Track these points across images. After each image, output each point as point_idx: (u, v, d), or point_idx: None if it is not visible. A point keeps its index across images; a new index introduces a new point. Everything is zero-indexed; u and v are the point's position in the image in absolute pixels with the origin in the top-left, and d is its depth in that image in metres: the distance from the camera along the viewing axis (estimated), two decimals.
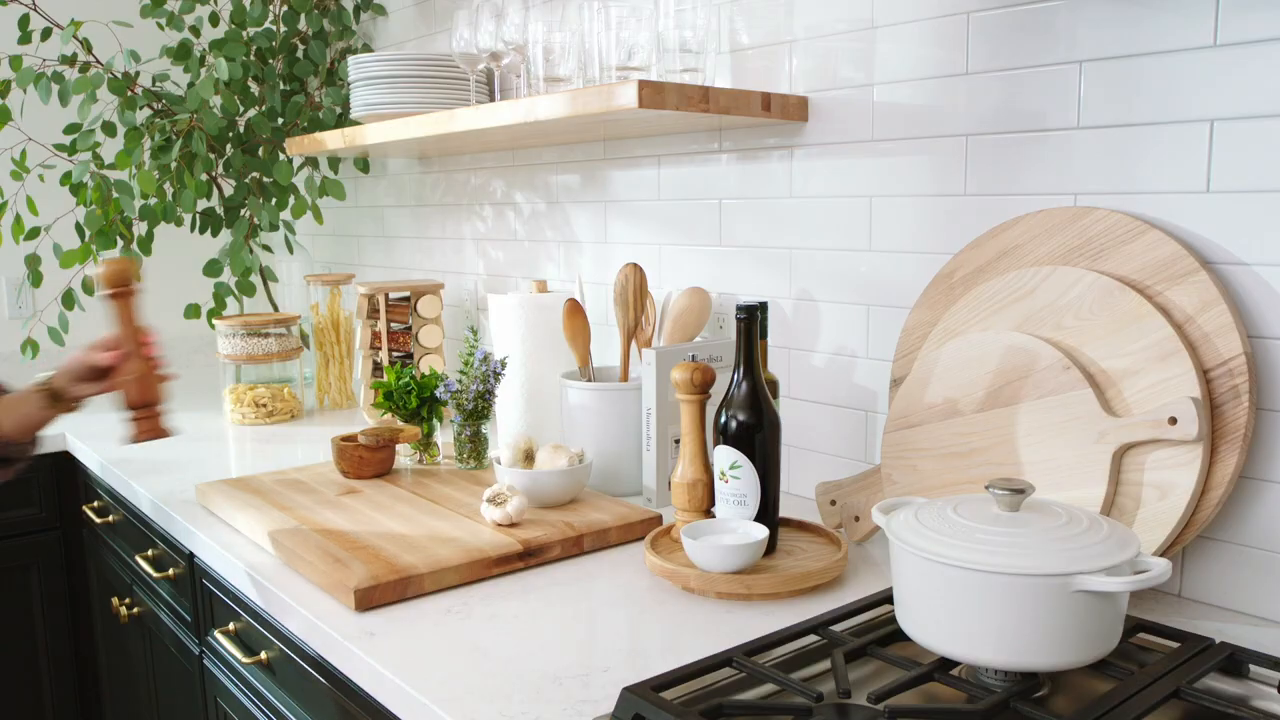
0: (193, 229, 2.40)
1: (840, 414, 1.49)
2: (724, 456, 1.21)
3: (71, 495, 2.17)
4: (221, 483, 1.58)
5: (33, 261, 2.25)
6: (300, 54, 2.41)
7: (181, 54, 2.31)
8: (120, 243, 2.24)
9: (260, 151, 2.35)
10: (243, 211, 2.33)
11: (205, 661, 1.56)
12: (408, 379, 1.69)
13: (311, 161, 2.53)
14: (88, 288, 2.28)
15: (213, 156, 2.27)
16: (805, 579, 1.15)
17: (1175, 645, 0.98)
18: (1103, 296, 1.11)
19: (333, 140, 2.03)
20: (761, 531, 1.18)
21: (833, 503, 1.37)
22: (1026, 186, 1.24)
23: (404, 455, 1.71)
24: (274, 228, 2.33)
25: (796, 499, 1.54)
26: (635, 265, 1.57)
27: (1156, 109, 1.11)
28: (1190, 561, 1.13)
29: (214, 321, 2.21)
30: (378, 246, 2.68)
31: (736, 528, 1.21)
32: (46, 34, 2.26)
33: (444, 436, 1.76)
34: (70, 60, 2.22)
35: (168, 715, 1.80)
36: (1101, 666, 0.93)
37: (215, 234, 2.42)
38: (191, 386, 2.60)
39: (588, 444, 1.51)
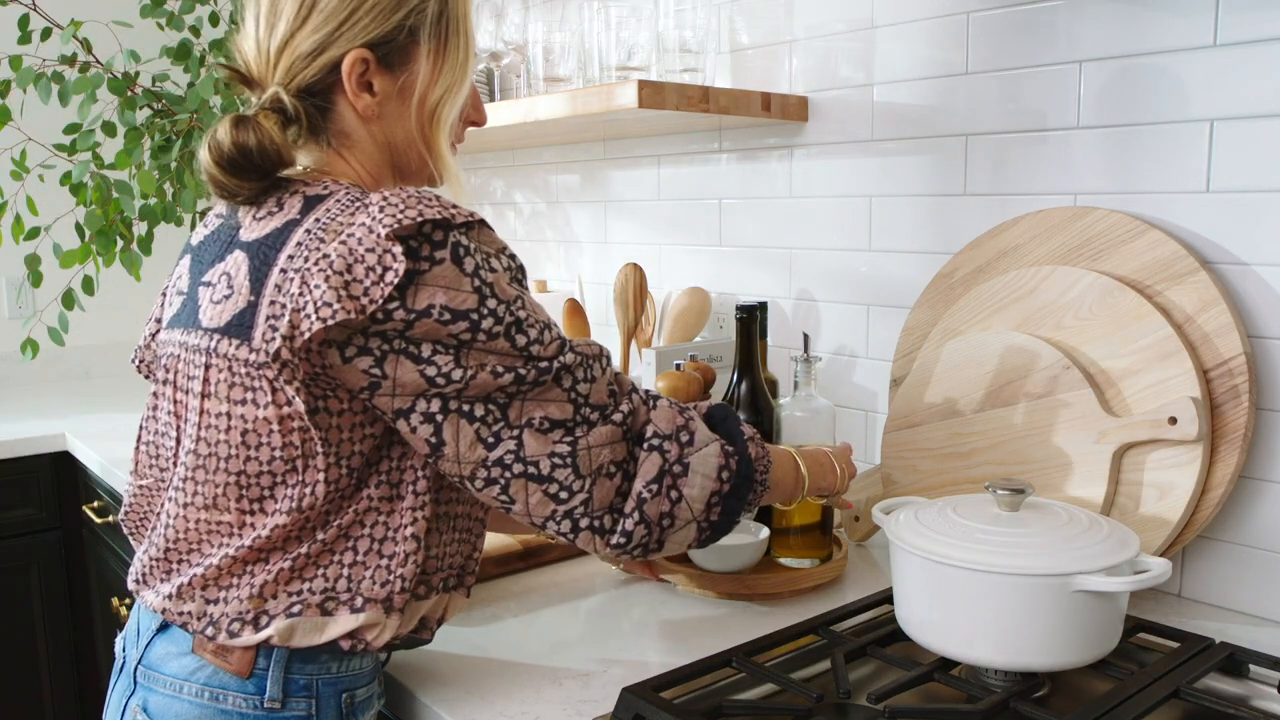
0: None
1: (840, 414, 1.49)
2: None
3: (71, 495, 2.17)
4: None
5: (33, 261, 2.25)
6: None
7: (181, 54, 2.31)
8: (120, 242, 2.24)
9: None
10: None
11: None
12: None
13: None
14: (88, 287, 2.28)
15: None
16: (805, 579, 1.15)
17: (1175, 645, 0.98)
18: (1103, 296, 1.11)
19: None
20: (762, 531, 1.18)
21: None
22: (1026, 186, 1.24)
23: None
24: None
25: None
26: (635, 265, 1.57)
27: (1156, 109, 1.11)
28: (1190, 561, 1.13)
29: None
30: None
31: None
32: (46, 34, 2.26)
33: None
34: (70, 60, 2.22)
35: None
36: (1101, 666, 0.92)
37: None
38: None
39: None
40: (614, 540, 0.84)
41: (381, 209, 0.79)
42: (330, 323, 0.77)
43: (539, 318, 0.83)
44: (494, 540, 1.27)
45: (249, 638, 0.83)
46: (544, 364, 0.81)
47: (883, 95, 1.38)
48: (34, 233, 2.26)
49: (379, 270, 0.77)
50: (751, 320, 1.21)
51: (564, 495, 0.82)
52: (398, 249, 0.77)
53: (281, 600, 0.84)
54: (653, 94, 1.32)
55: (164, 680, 0.87)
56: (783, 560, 1.18)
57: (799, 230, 1.53)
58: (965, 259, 1.27)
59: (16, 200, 2.33)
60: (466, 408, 0.80)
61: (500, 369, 0.80)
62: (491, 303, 0.80)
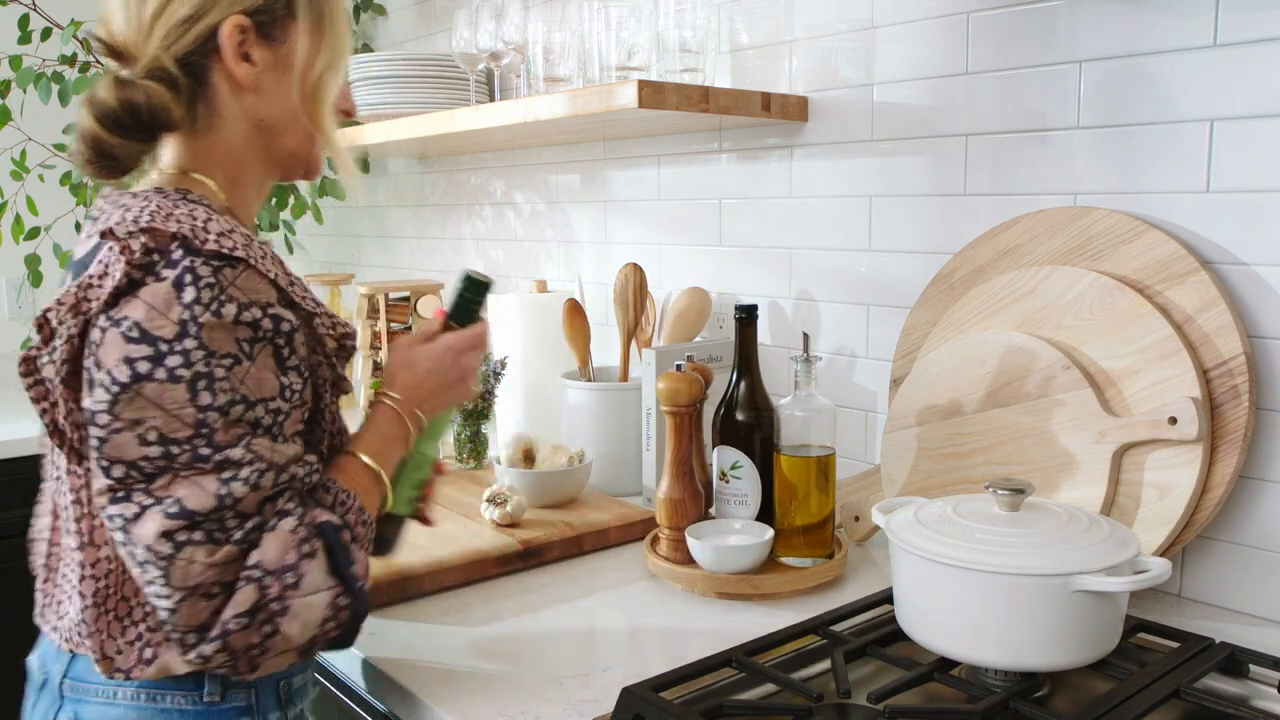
0: None
1: (840, 414, 1.49)
2: (725, 457, 1.21)
3: None
4: None
5: (33, 261, 2.25)
6: None
7: None
8: None
9: None
10: None
11: None
12: None
13: None
14: None
15: None
16: (806, 578, 1.15)
17: (1175, 645, 0.98)
18: (1103, 296, 1.11)
19: None
20: (766, 531, 1.18)
21: None
22: (1026, 186, 1.24)
23: None
24: (274, 227, 2.33)
25: None
26: (635, 265, 1.57)
27: (1156, 109, 1.11)
28: (1190, 561, 1.13)
29: None
30: (378, 246, 2.68)
31: (740, 528, 1.21)
32: (46, 34, 2.26)
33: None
34: (70, 60, 2.22)
35: None
36: (1101, 666, 0.92)
37: None
38: None
39: (588, 444, 1.51)
40: (190, 656, 0.75)
41: (143, 210, 0.77)
42: (61, 334, 0.74)
43: (246, 394, 0.75)
44: (494, 540, 1.27)
45: (141, 672, 0.82)
46: (205, 449, 0.73)
47: (883, 95, 1.38)
48: (34, 233, 2.26)
49: (110, 275, 0.74)
50: (750, 320, 1.21)
51: (152, 593, 0.75)
52: (123, 254, 0.74)
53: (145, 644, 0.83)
54: (653, 94, 1.32)
55: (94, 690, 0.85)
56: (785, 559, 1.18)
57: (799, 230, 1.53)
58: (965, 259, 1.27)
59: (16, 200, 2.33)
60: (104, 464, 0.74)
61: (152, 437, 0.72)
62: (189, 343, 0.73)
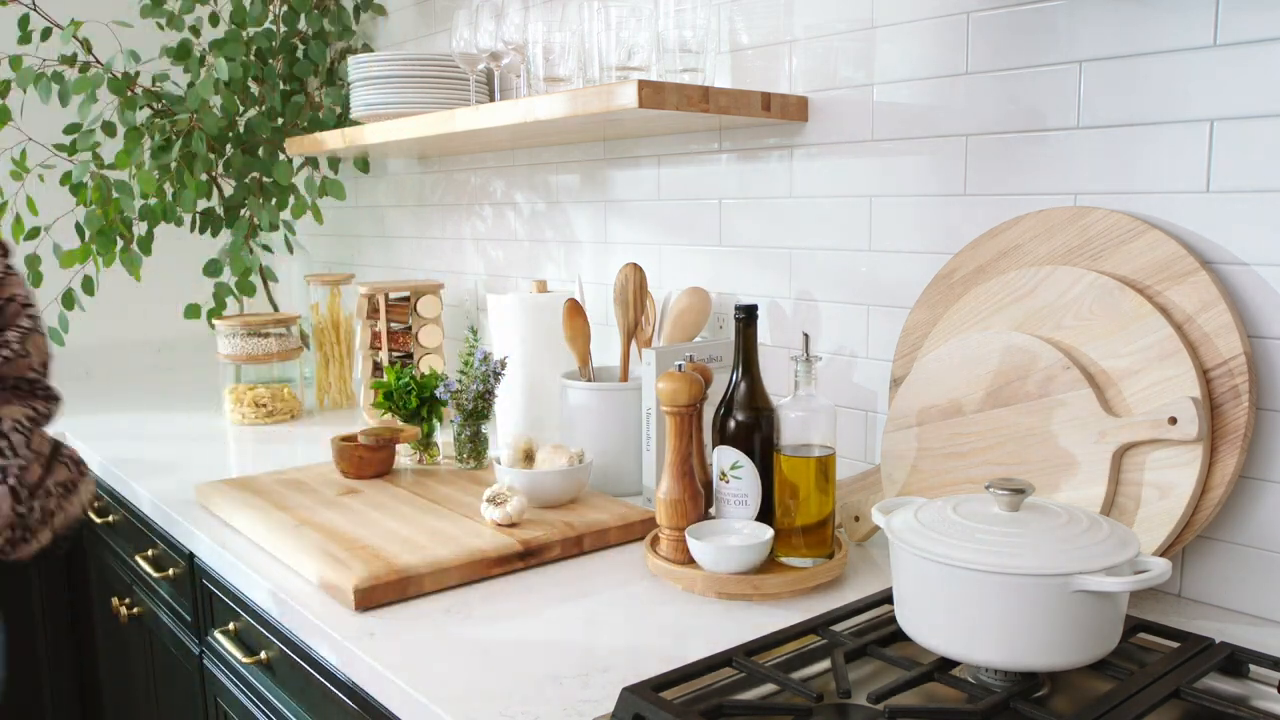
0: (193, 229, 2.40)
1: (840, 414, 1.49)
2: (725, 457, 1.21)
3: None
4: (221, 483, 1.58)
5: (33, 261, 2.25)
6: (300, 54, 2.41)
7: (181, 54, 2.31)
8: (120, 242, 2.24)
9: (260, 151, 2.35)
10: (243, 211, 2.33)
11: (205, 661, 1.56)
12: (408, 379, 1.69)
13: (311, 161, 2.54)
14: (88, 287, 2.28)
15: (213, 156, 2.27)
16: (806, 579, 1.15)
17: (1175, 645, 0.98)
18: (1103, 296, 1.11)
19: (333, 140, 2.03)
20: (766, 531, 1.18)
21: None
22: (1026, 186, 1.24)
23: (404, 455, 1.71)
24: (274, 228, 2.33)
25: None
26: (635, 265, 1.57)
27: (1156, 109, 1.11)
28: (1190, 561, 1.13)
29: (214, 321, 2.21)
30: (378, 246, 2.68)
31: (740, 528, 1.21)
32: (46, 34, 2.26)
33: (444, 436, 1.76)
34: (70, 60, 2.22)
35: (168, 715, 1.80)
36: (1101, 666, 0.93)
37: (215, 234, 2.43)
38: (191, 387, 2.60)
39: (588, 444, 1.51)
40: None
41: None
42: None
43: None
44: (494, 540, 1.27)
45: None
46: None
47: (883, 95, 1.38)
48: (34, 233, 2.26)
49: None
50: (750, 320, 1.21)
51: None
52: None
53: None
54: (653, 94, 1.32)
55: None
56: (785, 559, 1.18)
57: (799, 230, 1.53)
58: (965, 259, 1.27)
59: (16, 200, 2.33)
60: None
61: None
62: None
